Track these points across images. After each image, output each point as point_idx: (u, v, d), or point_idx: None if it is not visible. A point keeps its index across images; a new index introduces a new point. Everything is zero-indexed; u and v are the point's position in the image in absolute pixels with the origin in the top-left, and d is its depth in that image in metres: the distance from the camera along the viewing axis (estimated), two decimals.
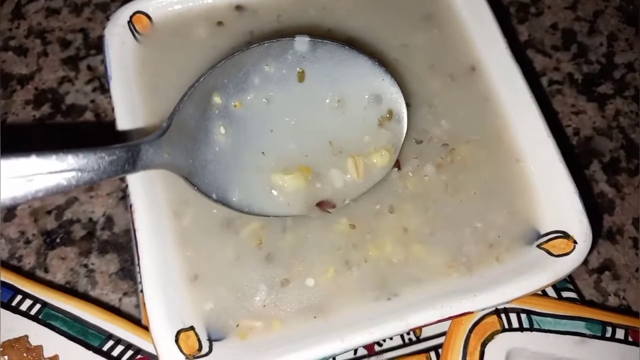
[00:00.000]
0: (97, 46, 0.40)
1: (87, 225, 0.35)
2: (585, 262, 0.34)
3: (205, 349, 0.23)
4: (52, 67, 0.39)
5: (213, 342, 0.24)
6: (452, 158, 0.28)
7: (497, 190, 0.27)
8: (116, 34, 0.28)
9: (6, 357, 0.24)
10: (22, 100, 0.38)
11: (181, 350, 0.23)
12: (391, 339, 0.28)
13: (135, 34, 0.29)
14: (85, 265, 0.34)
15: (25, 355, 0.25)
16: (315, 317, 0.24)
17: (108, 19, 0.29)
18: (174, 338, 0.23)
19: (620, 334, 0.28)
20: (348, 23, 0.30)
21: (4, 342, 0.25)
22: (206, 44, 0.29)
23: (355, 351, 0.28)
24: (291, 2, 0.30)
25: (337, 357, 0.26)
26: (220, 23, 0.30)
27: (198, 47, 0.29)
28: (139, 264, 0.25)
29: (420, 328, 0.25)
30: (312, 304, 0.25)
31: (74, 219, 0.35)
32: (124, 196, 0.35)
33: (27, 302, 0.27)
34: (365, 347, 0.28)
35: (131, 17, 0.29)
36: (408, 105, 0.28)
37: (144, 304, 0.29)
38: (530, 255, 0.26)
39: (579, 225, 0.25)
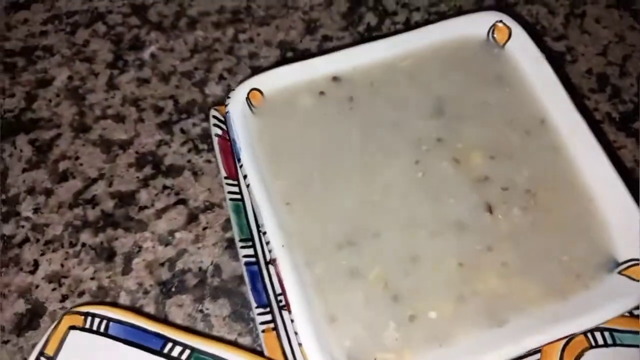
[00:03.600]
0: (187, 111, 0.44)
1: (198, 273, 0.39)
2: None
3: None
4: (149, 132, 0.44)
5: None
6: (535, 201, 0.32)
7: (575, 226, 0.32)
8: (238, 110, 0.33)
9: None
10: (125, 163, 0.42)
11: None
12: None
13: (252, 107, 0.34)
14: (201, 311, 0.38)
15: None
16: (440, 345, 0.29)
17: (229, 97, 0.33)
18: None
19: None
20: (433, 86, 0.35)
21: None
22: (313, 111, 0.34)
23: None
24: (381, 72, 0.35)
25: None
26: (322, 93, 0.35)
27: (306, 114, 0.34)
28: (285, 308, 0.28)
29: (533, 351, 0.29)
30: (436, 335, 0.29)
31: (186, 268, 0.39)
32: (228, 246, 0.39)
33: (177, 349, 0.31)
34: None
35: (248, 93, 0.34)
36: (493, 158, 0.33)
37: (267, 344, 0.33)
38: (614, 281, 0.30)
39: None
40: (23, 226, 0.40)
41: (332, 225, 0.31)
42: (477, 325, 0.29)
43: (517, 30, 0.36)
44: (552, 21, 0.49)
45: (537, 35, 0.48)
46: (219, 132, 0.39)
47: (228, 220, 0.40)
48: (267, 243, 0.30)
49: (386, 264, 0.30)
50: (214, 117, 0.39)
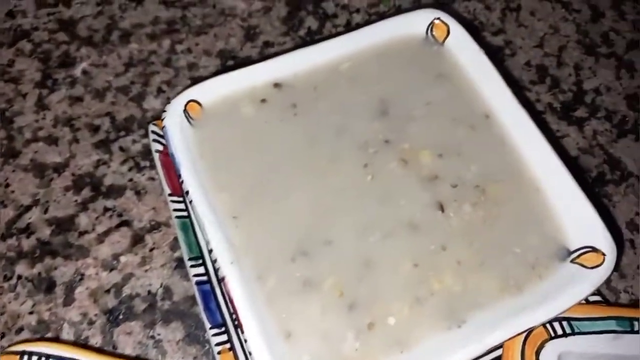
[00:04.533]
0: (126, 128, 0.42)
1: (147, 297, 0.37)
2: None
3: None
4: (85, 152, 0.41)
5: None
6: (484, 196, 0.32)
7: (526, 218, 0.32)
8: (176, 123, 0.31)
9: None
10: (60, 187, 0.40)
11: None
12: None
13: (190, 120, 0.32)
14: (152, 337, 0.36)
15: None
16: (401, 351, 0.28)
17: (165, 110, 0.32)
18: None
19: None
20: (376, 87, 0.34)
21: None
22: (255, 120, 0.33)
23: None
24: (324, 76, 0.34)
25: None
26: (263, 100, 0.34)
27: (248, 124, 0.33)
28: (238, 328, 0.27)
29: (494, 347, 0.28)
30: (397, 341, 0.28)
31: (133, 293, 0.37)
32: (177, 266, 0.38)
33: None
34: None
35: (185, 105, 0.32)
36: (441, 156, 0.33)
37: None
38: (568, 270, 0.30)
39: (604, 240, 0.30)
40: None
41: (283, 236, 0.30)
42: (436, 327, 0.28)
43: (455, 27, 0.36)
44: (489, 16, 0.50)
45: (475, 30, 0.48)
46: (160, 147, 0.37)
47: (176, 239, 0.38)
48: (214, 261, 0.28)
49: (340, 271, 0.29)
50: (153, 132, 0.38)
